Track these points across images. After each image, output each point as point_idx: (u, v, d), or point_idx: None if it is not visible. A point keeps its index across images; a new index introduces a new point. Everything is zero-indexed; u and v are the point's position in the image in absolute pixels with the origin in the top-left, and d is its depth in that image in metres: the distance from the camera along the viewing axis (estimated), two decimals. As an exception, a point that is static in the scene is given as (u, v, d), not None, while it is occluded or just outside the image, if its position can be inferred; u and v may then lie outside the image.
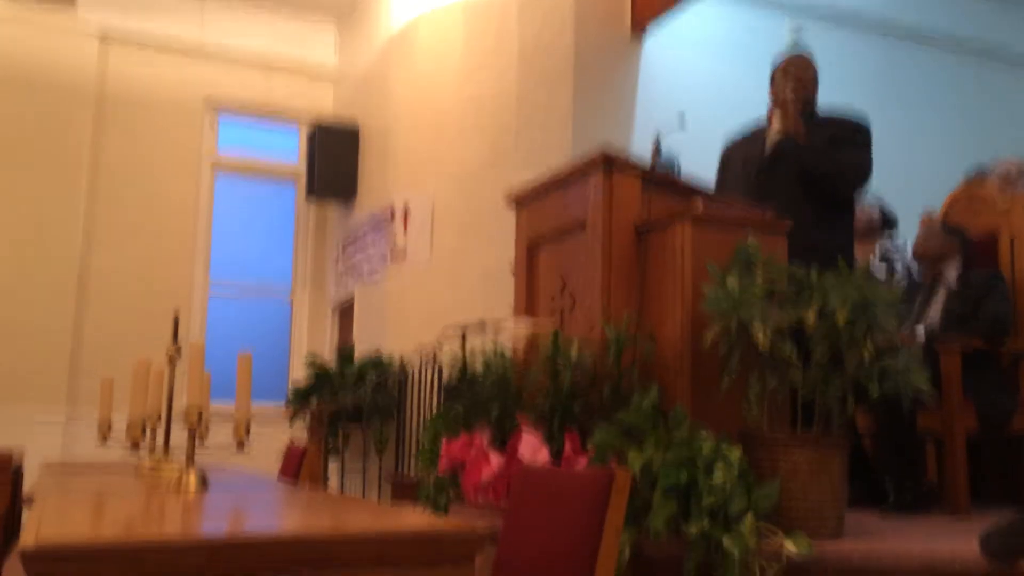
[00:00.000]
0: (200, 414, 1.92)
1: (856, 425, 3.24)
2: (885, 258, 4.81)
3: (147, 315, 6.32)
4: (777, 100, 3.29)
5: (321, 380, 5.52)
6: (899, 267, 4.73)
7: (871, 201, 4.72)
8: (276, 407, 5.94)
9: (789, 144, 3.20)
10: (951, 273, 3.58)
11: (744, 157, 3.39)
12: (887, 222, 4.91)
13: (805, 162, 3.16)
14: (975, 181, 4.33)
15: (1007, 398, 3.30)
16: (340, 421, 5.31)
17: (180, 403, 2.02)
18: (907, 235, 4.68)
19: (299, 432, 5.52)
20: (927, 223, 3.78)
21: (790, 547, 2.12)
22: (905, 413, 3.01)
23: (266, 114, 7.36)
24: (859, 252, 4.46)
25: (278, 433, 5.47)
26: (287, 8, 7.15)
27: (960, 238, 3.61)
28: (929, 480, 3.51)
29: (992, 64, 7.29)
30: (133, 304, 6.57)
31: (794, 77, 3.36)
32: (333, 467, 5.55)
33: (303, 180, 7.13)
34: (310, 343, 7.14)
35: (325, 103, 7.36)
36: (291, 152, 7.46)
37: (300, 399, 5.51)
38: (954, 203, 3.90)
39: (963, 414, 3.17)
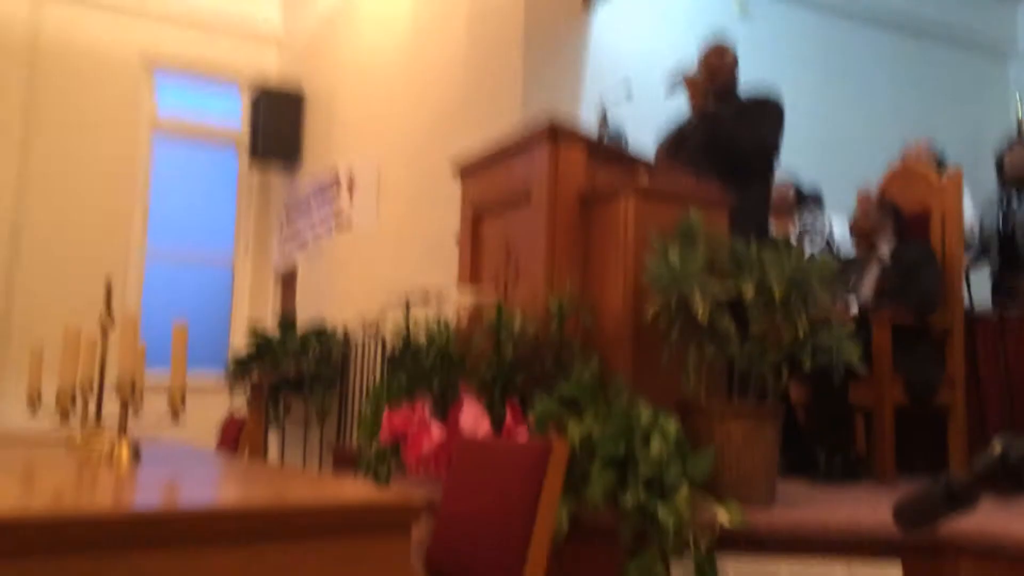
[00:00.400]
0: (133, 384, 1.88)
1: (789, 396, 3.32)
2: (804, 232, 4.91)
3: (81, 281, 6.14)
4: (686, 82, 3.52)
5: (262, 349, 5.46)
6: (818, 241, 4.83)
7: (785, 178, 4.80)
8: (215, 377, 5.86)
9: (692, 128, 3.41)
10: (884, 248, 3.67)
11: (659, 141, 3.54)
12: (802, 198, 5.01)
13: (708, 132, 3.28)
14: (907, 158, 4.44)
15: (934, 371, 3.41)
16: (281, 391, 5.26)
17: (114, 374, 1.97)
18: (846, 210, 4.79)
19: (239, 402, 5.45)
20: (863, 199, 3.86)
21: (723, 516, 2.17)
22: (837, 385, 3.10)
23: (207, 75, 7.17)
24: (777, 227, 4.56)
25: (217, 404, 5.40)
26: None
27: (894, 214, 3.70)
28: (858, 450, 3.62)
29: (934, 43, 7.43)
30: (66, 269, 6.38)
31: (706, 65, 3.61)
32: (273, 438, 5.51)
33: (246, 144, 6.97)
34: (251, 312, 7.04)
35: (269, 65, 7.19)
36: (234, 115, 7.28)
37: (240, 369, 5.44)
38: (890, 180, 3.98)
39: (892, 386, 3.27)
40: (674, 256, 2.44)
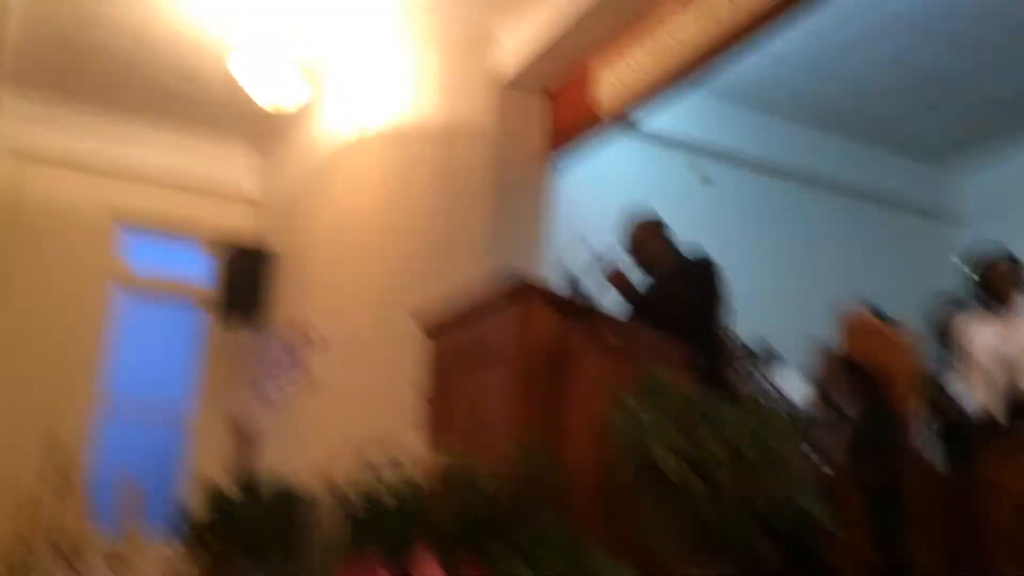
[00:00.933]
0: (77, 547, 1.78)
1: (764, 556, 3.22)
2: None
3: (30, 435, 5.94)
4: (609, 280, 3.68)
5: (223, 513, 5.23)
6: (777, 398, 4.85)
7: (732, 337, 4.88)
8: (167, 540, 5.58)
9: (637, 306, 3.55)
10: (852, 408, 3.69)
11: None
12: (752, 355, 5.08)
13: (653, 318, 3.32)
14: (858, 318, 4.53)
15: (905, 527, 3.35)
16: (237, 558, 5.00)
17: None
18: (796, 366, 4.85)
19: (194, 570, 5.17)
20: (828, 360, 3.92)
21: None
22: (814, 549, 3.03)
23: (178, 234, 7.27)
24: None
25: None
26: (205, 130, 7.18)
27: (860, 375, 3.75)
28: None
29: (883, 208, 7.80)
30: (17, 422, 6.19)
31: (630, 242, 3.82)
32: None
33: (215, 301, 6.98)
34: (209, 471, 6.81)
35: (241, 226, 7.32)
36: (203, 274, 7.32)
37: (199, 532, 5.18)
38: (849, 339, 4.06)
39: (867, 548, 3.20)
40: (642, 414, 2.43)
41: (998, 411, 3.42)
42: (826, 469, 3.44)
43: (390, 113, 5.63)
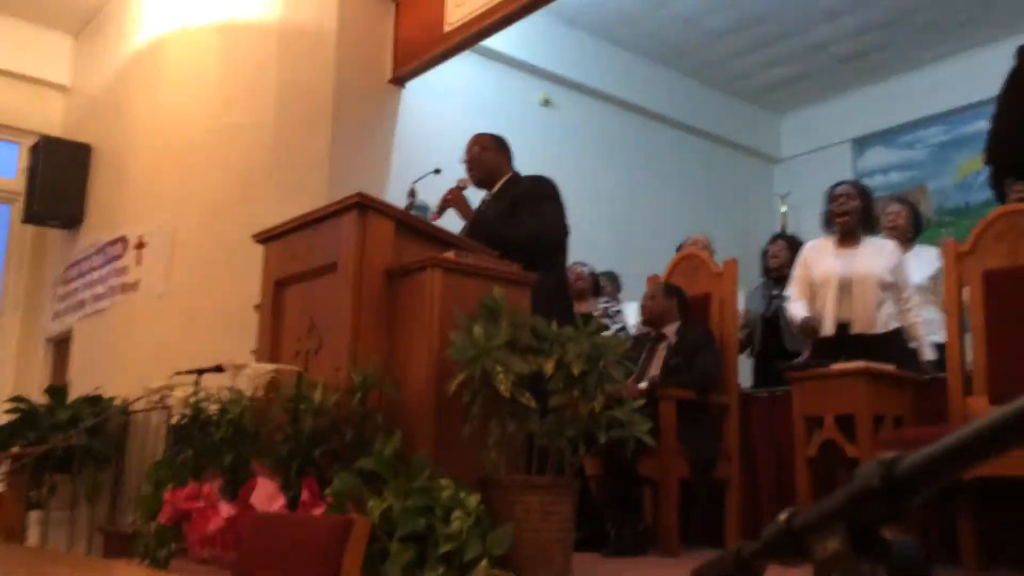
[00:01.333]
0: None
1: (584, 470, 3.42)
2: (605, 316, 5.18)
3: None
4: (443, 201, 3.65)
5: (27, 420, 4.93)
6: (617, 326, 5.12)
7: (581, 267, 5.08)
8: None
9: (467, 231, 3.51)
10: (671, 329, 3.92)
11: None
12: (597, 286, 5.32)
13: (486, 240, 3.35)
14: (689, 248, 4.81)
15: (714, 446, 3.65)
16: (47, 468, 4.75)
17: None
18: (639, 295, 5.09)
19: (-5, 480, 4.87)
20: (652, 284, 4.13)
21: (521, 591, 2.18)
22: (628, 459, 3.24)
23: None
24: (577, 309, 4.78)
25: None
26: (17, 11, 6.45)
27: (679, 298, 3.97)
28: (645, 522, 3.77)
29: (715, 145, 8.19)
30: None
31: (467, 159, 3.77)
32: (35, 521, 4.94)
33: (21, 200, 6.39)
34: (18, 380, 6.36)
35: (53, 118, 6.70)
36: (8, 168, 6.68)
37: (1, 438, 4.87)
38: (675, 266, 4.29)
39: (677, 460, 3.46)
40: (478, 332, 2.48)
41: (816, 339, 3.74)
42: (644, 385, 3.66)
43: (223, 5, 5.27)
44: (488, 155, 3.73)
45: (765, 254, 5.13)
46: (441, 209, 3.63)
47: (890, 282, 3.65)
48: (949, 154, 7.49)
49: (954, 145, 7.46)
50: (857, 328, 3.62)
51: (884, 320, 3.62)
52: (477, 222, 3.53)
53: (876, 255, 3.69)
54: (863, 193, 3.84)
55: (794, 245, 4.93)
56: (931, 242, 4.64)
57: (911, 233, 4.38)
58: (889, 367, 3.26)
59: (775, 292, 4.88)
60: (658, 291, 4.00)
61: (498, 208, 3.56)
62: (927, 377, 3.50)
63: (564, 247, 3.67)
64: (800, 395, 3.36)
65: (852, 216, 3.73)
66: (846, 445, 3.13)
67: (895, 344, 3.62)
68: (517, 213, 3.49)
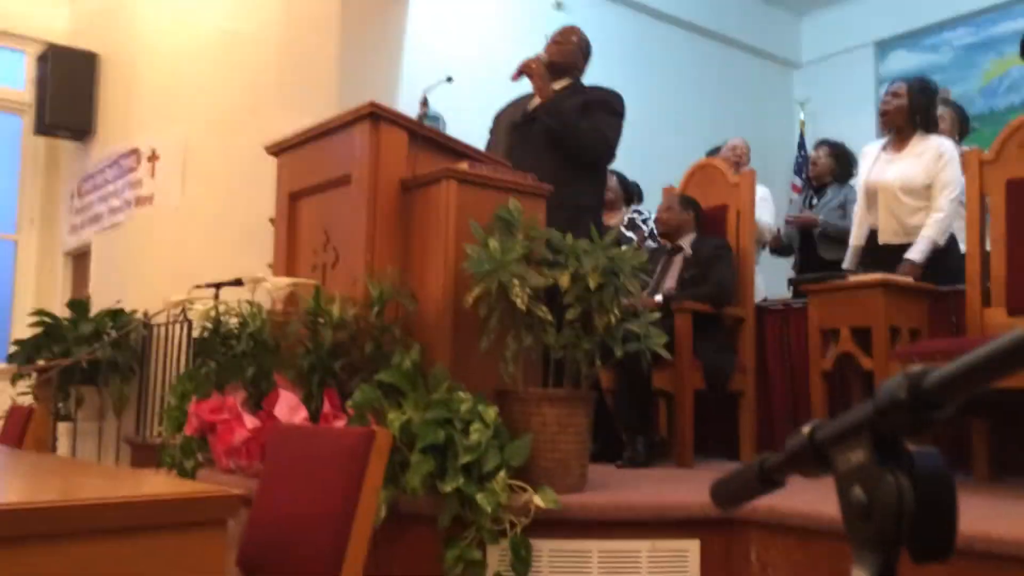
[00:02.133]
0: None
1: (600, 382, 3.46)
2: (632, 226, 5.15)
3: None
4: (527, 65, 3.45)
5: (50, 333, 5.02)
6: (646, 234, 5.10)
7: (609, 176, 5.02)
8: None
9: (540, 108, 3.36)
10: (687, 241, 3.90)
11: (509, 121, 3.50)
12: (628, 194, 5.27)
13: (552, 124, 3.32)
14: (710, 157, 4.74)
15: (729, 358, 3.67)
16: (73, 380, 4.85)
17: None
18: (654, 206, 5.05)
19: (24, 393, 4.99)
20: (667, 196, 4.08)
21: (538, 502, 2.24)
22: (643, 372, 3.26)
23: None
24: (606, 219, 4.76)
25: (1, 393, 4.91)
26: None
27: (695, 210, 3.93)
28: (660, 434, 3.83)
29: (733, 49, 7.97)
30: None
31: (551, 42, 3.60)
32: (64, 432, 5.08)
33: (31, 111, 6.34)
34: (38, 294, 6.44)
35: (59, 25, 6.57)
36: (16, 79, 6.60)
37: (25, 354, 4.97)
38: (691, 177, 4.23)
39: (692, 372, 3.49)
40: (494, 244, 2.48)
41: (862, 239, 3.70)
42: (659, 298, 3.67)
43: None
44: (576, 52, 3.62)
45: (803, 162, 5.06)
46: (520, 73, 3.48)
47: (919, 187, 3.51)
48: (974, 57, 7.28)
49: (980, 48, 7.24)
50: (883, 238, 3.57)
51: (911, 228, 3.54)
52: (552, 104, 3.42)
53: (914, 159, 3.54)
54: (914, 90, 3.61)
55: (837, 152, 4.84)
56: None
57: (955, 137, 4.19)
58: (907, 279, 3.24)
59: (815, 201, 4.82)
60: (674, 202, 3.96)
61: (570, 103, 3.45)
62: (946, 288, 3.45)
63: (611, 161, 3.63)
64: (816, 307, 3.35)
65: (894, 115, 3.58)
66: (862, 358, 3.14)
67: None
68: (589, 115, 3.41)
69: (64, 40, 6.34)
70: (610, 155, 3.51)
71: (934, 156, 3.51)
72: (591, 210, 3.38)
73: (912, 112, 3.59)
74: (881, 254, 3.52)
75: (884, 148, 3.67)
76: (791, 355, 3.89)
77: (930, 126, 3.65)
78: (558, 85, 3.54)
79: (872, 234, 3.65)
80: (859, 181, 3.80)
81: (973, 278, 3.14)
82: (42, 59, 6.07)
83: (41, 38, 6.31)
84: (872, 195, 3.63)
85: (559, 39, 3.62)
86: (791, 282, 4.28)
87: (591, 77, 3.68)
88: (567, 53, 3.59)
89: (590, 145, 3.39)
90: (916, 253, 3.47)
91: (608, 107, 3.47)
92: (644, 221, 5.24)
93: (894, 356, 2.99)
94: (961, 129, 4.31)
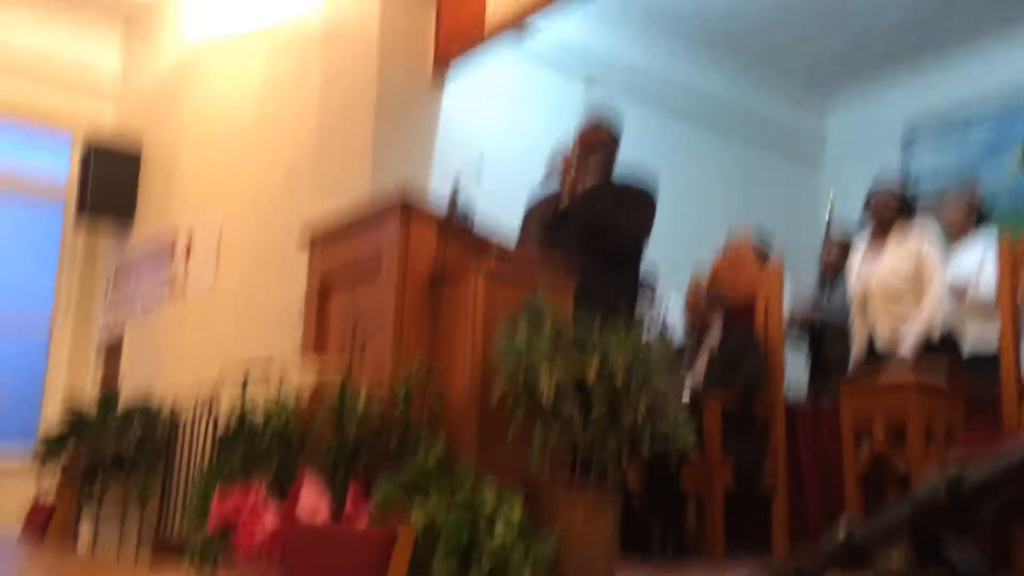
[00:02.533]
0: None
1: (627, 477, 3.39)
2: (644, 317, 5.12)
3: None
4: (561, 169, 3.46)
5: (78, 426, 5.03)
6: (655, 326, 5.05)
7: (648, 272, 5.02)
8: (23, 457, 5.34)
9: (573, 207, 3.39)
10: (714, 335, 3.87)
11: (540, 216, 3.54)
12: (642, 283, 5.25)
13: (586, 217, 3.32)
14: (733, 248, 4.73)
15: (759, 456, 3.59)
16: (98, 473, 4.84)
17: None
18: (675, 296, 5.03)
19: (48, 486, 4.98)
20: (694, 288, 4.07)
21: (565, 601, 2.16)
22: (672, 471, 3.19)
23: (34, 122, 6.68)
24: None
25: (26, 485, 4.90)
26: (67, 9, 6.58)
27: (722, 303, 3.92)
28: (689, 533, 3.72)
29: (756, 146, 8.08)
30: None
31: (580, 142, 3.59)
32: (86, 524, 5.04)
33: (73, 199, 6.50)
34: (70, 384, 6.49)
35: (104, 117, 6.80)
36: (61, 168, 6.79)
37: (51, 448, 4.98)
38: (718, 268, 4.22)
39: (722, 468, 3.41)
40: (521, 337, 2.47)
41: (863, 344, 3.64)
42: (688, 395, 3.62)
43: (268, 4, 5.36)
44: (604, 142, 3.62)
45: (822, 254, 5.05)
46: (551, 174, 3.49)
47: (904, 291, 3.53)
48: (1001, 151, 7.30)
49: (1006, 141, 7.27)
50: (879, 345, 3.55)
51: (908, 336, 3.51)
52: (588, 200, 3.40)
53: (899, 252, 3.56)
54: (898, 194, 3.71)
55: (845, 244, 4.83)
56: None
57: (970, 225, 4.18)
58: (939, 380, 3.17)
59: (820, 294, 4.79)
60: (700, 298, 3.94)
61: (602, 195, 3.46)
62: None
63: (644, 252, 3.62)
64: (849, 406, 3.28)
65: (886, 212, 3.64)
66: (897, 459, 3.05)
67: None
68: (622, 211, 3.42)
69: (108, 130, 6.57)
70: (641, 250, 3.51)
71: (917, 251, 3.56)
72: (625, 307, 3.33)
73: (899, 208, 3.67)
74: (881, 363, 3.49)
75: (869, 239, 3.68)
76: (824, 453, 3.80)
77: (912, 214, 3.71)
78: (590, 179, 3.54)
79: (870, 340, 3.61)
80: (850, 283, 3.76)
81: (1008, 374, 3.08)
82: (85, 149, 6.25)
83: (86, 128, 6.54)
84: (862, 301, 3.61)
85: (588, 135, 3.62)
86: (824, 383, 4.19)
87: (622, 164, 3.71)
88: (597, 147, 3.58)
89: (622, 243, 3.38)
90: (906, 350, 3.47)
91: (640, 203, 3.47)
92: (654, 315, 5.20)
93: (930, 456, 2.91)
94: (979, 217, 4.27)
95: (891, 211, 3.61)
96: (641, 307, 5.18)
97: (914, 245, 3.60)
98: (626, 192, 3.51)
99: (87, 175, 6.17)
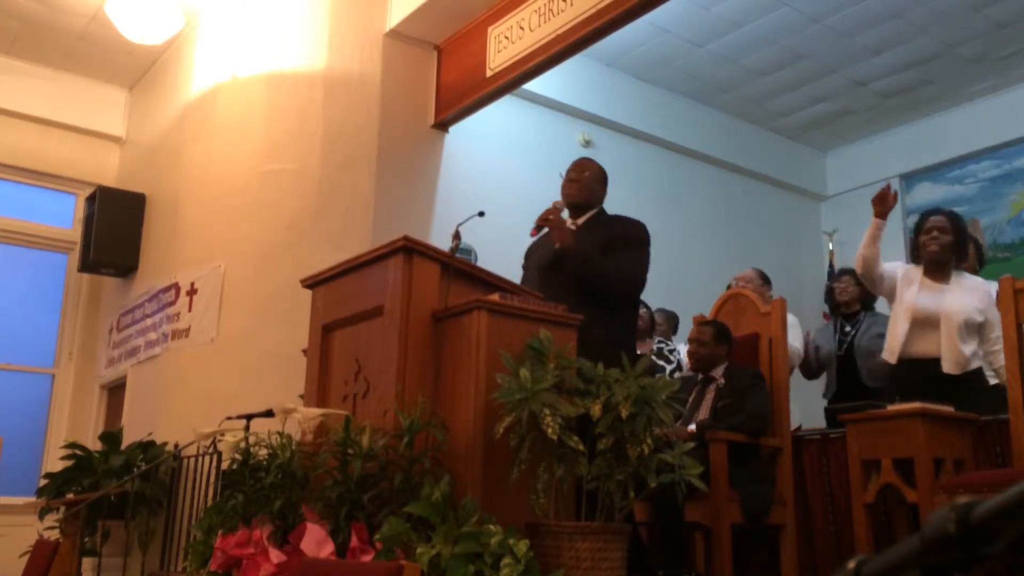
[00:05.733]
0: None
1: (634, 514, 3.36)
2: (661, 355, 5.13)
3: None
4: (546, 215, 3.38)
5: (81, 467, 5.01)
6: (671, 365, 5.06)
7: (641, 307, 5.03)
8: (26, 499, 5.32)
9: (564, 253, 3.35)
10: (719, 371, 3.86)
11: (538, 259, 3.52)
12: (654, 324, 5.27)
13: (576, 270, 3.29)
14: (737, 286, 4.75)
15: (767, 490, 3.56)
16: (101, 514, 4.81)
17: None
18: (683, 335, 5.03)
19: (51, 527, 4.95)
20: (698, 328, 4.07)
21: (573, 640, 2.14)
22: (677, 504, 3.17)
23: (41, 177, 6.78)
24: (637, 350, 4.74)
25: (27, 528, 4.88)
26: (73, 67, 6.70)
27: (727, 341, 3.92)
28: (697, 570, 3.68)
29: (758, 184, 8.13)
30: None
31: (566, 180, 3.58)
32: (88, 566, 5.00)
33: (77, 249, 6.57)
34: (72, 427, 6.48)
35: (108, 169, 6.90)
36: (66, 218, 6.88)
37: (54, 489, 4.95)
38: (721, 306, 4.24)
39: (728, 505, 3.38)
40: (524, 374, 2.47)
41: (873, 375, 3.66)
42: (692, 428, 3.60)
43: (270, 56, 5.42)
44: (593, 183, 3.57)
45: (831, 291, 5.04)
46: (539, 227, 3.43)
47: (979, 322, 3.61)
48: (1001, 188, 7.35)
49: (1006, 179, 7.32)
50: (946, 367, 3.56)
51: (968, 359, 3.56)
52: (575, 249, 3.33)
53: (968, 292, 3.66)
54: (957, 227, 3.77)
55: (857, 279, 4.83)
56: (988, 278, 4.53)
57: (976, 269, 4.30)
58: (947, 408, 3.17)
59: (847, 328, 4.77)
60: (707, 336, 3.94)
61: (593, 240, 3.39)
62: (987, 418, 3.38)
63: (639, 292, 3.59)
64: (855, 438, 3.26)
65: (943, 251, 3.70)
66: (905, 490, 3.03)
67: (978, 384, 3.55)
68: (614, 252, 3.36)
69: (113, 181, 6.65)
70: (638, 291, 3.49)
71: (984, 296, 3.64)
72: (624, 346, 3.29)
73: (956, 246, 3.73)
74: (939, 382, 3.49)
75: (924, 275, 3.71)
76: (831, 485, 3.77)
77: (963, 259, 3.81)
78: (581, 219, 3.52)
79: (924, 362, 3.61)
80: (899, 301, 3.76)
81: (1016, 406, 3.07)
82: (90, 200, 6.33)
83: (91, 180, 6.62)
84: (921, 321, 3.62)
85: (573, 175, 3.58)
86: (828, 411, 4.20)
87: (617, 206, 3.71)
88: (584, 189, 3.54)
89: (617, 285, 3.34)
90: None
91: (632, 242, 3.42)
92: (671, 352, 5.22)
93: (939, 488, 2.89)
94: (980, 260, 4.39)
95: (947, 244, 3.69)
96: (663, 342, 5.17)
97: (980, 284, 3.74)
98: (617, 229, 3.46)
99: (91, 222, 6.23)
